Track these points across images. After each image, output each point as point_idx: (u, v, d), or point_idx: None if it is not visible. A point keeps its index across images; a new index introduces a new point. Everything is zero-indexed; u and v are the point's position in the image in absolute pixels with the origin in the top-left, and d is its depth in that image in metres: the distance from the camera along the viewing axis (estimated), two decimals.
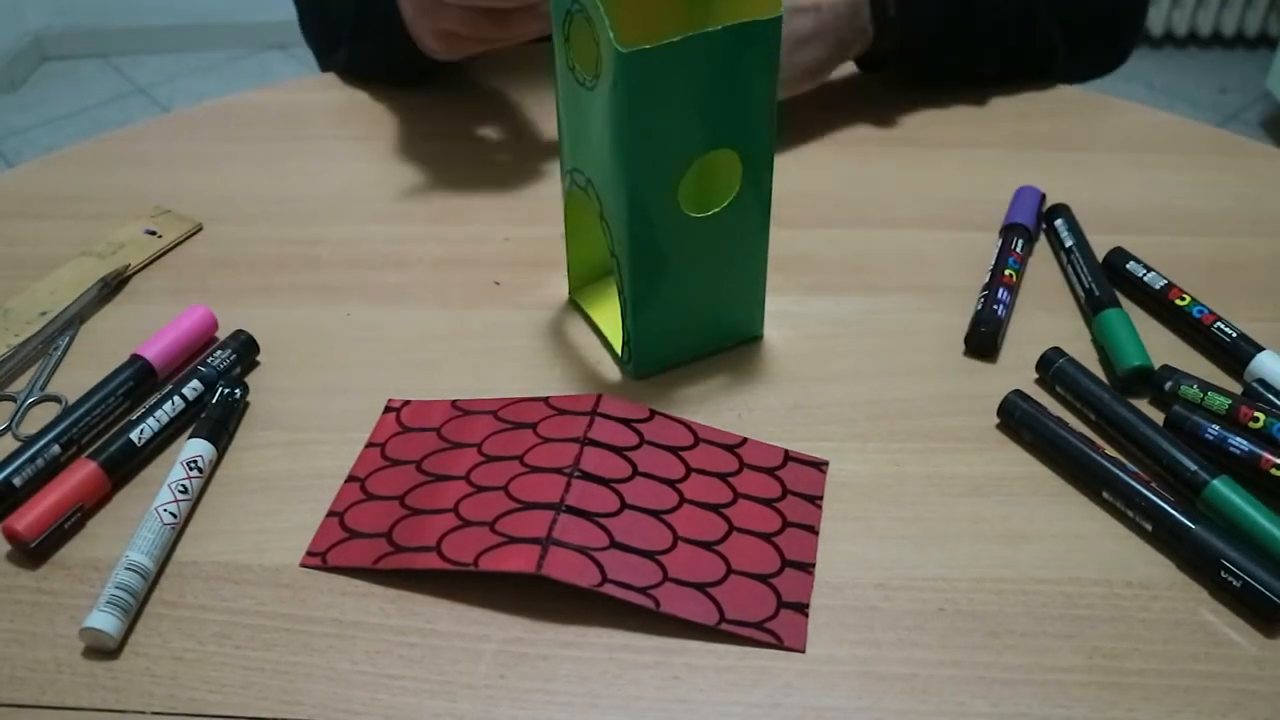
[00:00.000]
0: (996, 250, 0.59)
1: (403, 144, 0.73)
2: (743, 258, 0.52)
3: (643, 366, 0.52)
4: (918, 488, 0.47)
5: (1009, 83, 0.77)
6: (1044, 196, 0.63)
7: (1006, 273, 0.57)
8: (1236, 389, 0.51)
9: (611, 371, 0.53)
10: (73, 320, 0.57)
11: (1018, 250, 0.58)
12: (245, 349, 0.53)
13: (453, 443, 0.48)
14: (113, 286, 0.60)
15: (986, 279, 0.57)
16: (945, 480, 0.47)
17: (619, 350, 0.53)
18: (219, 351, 0.53)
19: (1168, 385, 0.50)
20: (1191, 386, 0.49)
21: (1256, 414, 0.47)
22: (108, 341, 0.56)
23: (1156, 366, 0.51)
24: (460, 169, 0.70)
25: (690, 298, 0.51)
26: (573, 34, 0.47)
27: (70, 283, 0.59)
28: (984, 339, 0.54)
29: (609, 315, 0.56)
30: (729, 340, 0.55)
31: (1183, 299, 0.55)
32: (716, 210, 0.49)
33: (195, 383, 0.51)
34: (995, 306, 0.55)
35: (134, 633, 0.42)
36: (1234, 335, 0.53)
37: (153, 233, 0.64)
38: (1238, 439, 0.46)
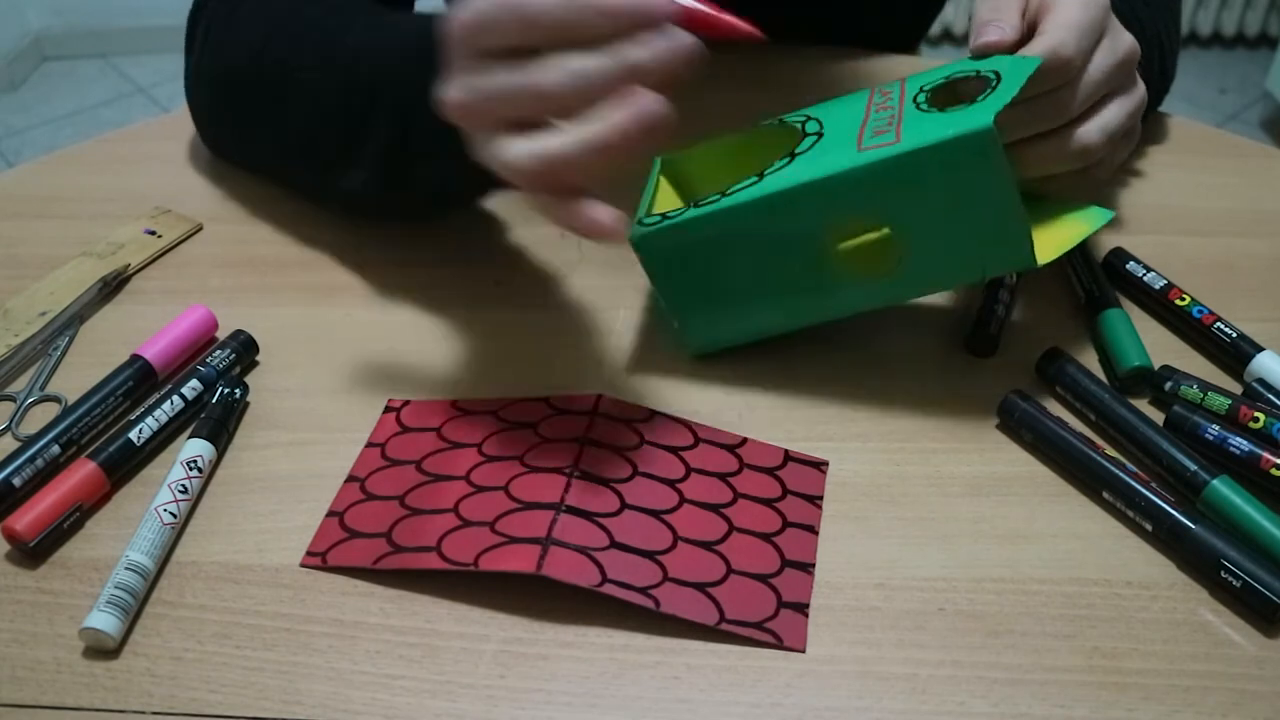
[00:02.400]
0: None
1: None
2: (798, 304, 0.51)
3: (645, 231, 0.50)
4: (918, 488, 0.47)
5: None
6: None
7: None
8: (1236, 389, 0.51)
9: (610, 372, 0.53)
10: (73, 320, 0.57)
11: None
12: (245, 349, 0.53)
13: (453, 443, 0.48)
14: (113, 286, 0.59)
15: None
16: (945, 480, 0.47)
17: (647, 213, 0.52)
18: (219, 351, 0.53)
19: (1168, 385, 0.50)
20: (1191, 386, 0.49)
21: (1256, 414, 0.47)
22: (107, 341, 0.56)
23: (1156, 366, 0.51)
24: None
25: (736, 269, 0.50)
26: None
27: (70, 283, 0.59)
28: (984, 339, 0.54)
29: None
30: (674, 317, 0.53)
31: (1183, 299, 0.55)
32: (846, 267, 0.49)
33: (195, 382, 0.51)
34: (995, 306, 0.55)
35: (134, 633, 0.42)
36: (1234, 335, 0.53)
37: (153, 233, 0.64)
38: (1238, 439, 0.46)
